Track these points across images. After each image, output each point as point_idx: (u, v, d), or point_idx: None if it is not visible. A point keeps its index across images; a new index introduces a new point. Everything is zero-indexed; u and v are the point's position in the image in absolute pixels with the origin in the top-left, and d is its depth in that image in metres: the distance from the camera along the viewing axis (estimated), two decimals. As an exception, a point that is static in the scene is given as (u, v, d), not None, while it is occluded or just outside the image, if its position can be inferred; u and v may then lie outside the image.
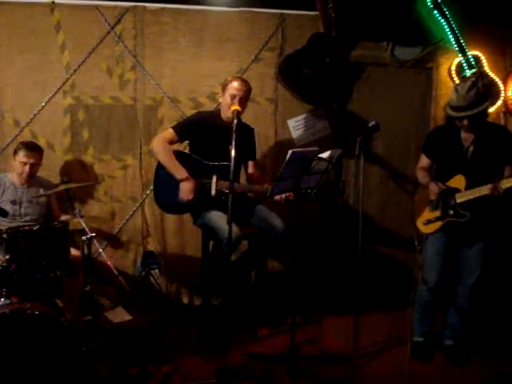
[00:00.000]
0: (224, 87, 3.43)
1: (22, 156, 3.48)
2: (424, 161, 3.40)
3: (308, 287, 4.17)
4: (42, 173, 3.73)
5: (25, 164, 3.49)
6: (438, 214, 3.19)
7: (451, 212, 3.12)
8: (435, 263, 3.26)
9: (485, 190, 2.97)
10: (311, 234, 4.13)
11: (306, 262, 4.12)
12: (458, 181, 3.11)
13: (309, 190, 3.06)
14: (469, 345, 3.40)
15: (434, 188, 3.19)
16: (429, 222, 3.24)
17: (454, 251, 3.28)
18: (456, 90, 3.07)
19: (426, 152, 3.38)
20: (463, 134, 3.15)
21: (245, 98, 3.41)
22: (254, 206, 3.54)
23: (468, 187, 3.06)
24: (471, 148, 3.13)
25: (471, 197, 3.03)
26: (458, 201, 3.09)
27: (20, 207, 3.55)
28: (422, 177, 3.36)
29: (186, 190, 3.33)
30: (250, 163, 3.68)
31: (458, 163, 3.15)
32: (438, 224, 3.18)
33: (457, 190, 3.10)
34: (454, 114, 3.06)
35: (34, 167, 3.54)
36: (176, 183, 3.35)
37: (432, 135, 3.42)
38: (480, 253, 3.22)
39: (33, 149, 3.52)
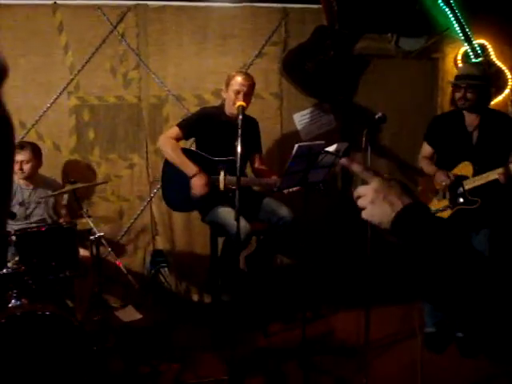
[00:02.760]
0: (227, 83, 3.41)
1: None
2: (426, 149, 3.37)
3: (318, 281, 4.15)
4: (48, 173, 3.74)
5: (16, 162, 3.48)
6: (446, 202, 3.16)
7: (461, 200, 3.09)
8: None
9: (494, 174, 2.92)
10: (320, 227, 4.12)
11: (315, 255, 4.10)
12: (465, 167, 3.09)
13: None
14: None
15: (442, 179, 3.15)
16: (437, 211, 3.21)
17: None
18: (466, 62, 3.09)
19: (428, 140, 3.35)
20: (467, 120, 3.13)
21: (249, 93, 3.39)
22: (261, 200, 3.53)
23: (476, 173, 3.02)
24: (476, 133, 3.10)
25: (480, 183, 2.99)
26: (467, 187, 3.05)
27: (28, 208, 3.55)
28: (426, 166, 3.33)
29: (198, 185, 3.30)
30: (256, 156, 3.66)
31: (462, 149, 3.12)
32: (447, 213, 3.15)
33: (464, 177, 3.07)
34: (456, 82, 3.09)
35: (27, 164, 3.49)
36: (184, 180, 3.34)
37: (434, 123, 3.37)
38: (486, 240, 3.18)
39: (21, 146, 3.49)
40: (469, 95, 3.04)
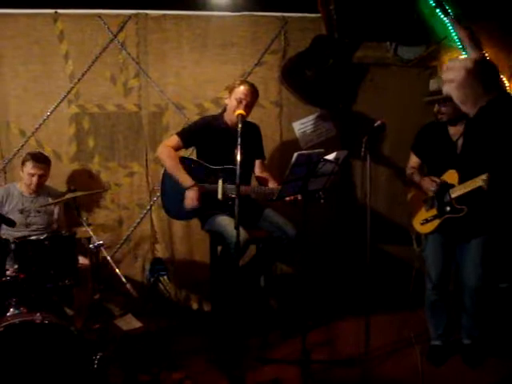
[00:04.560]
0: (231, 90, 3.43)
1: (29, 167, 3.49)
2: (413, 160, 3.37)
3: (317, 290, 4.14)
4: (48, 181, 3.74)
5: (32, 175, 3.50)
6: (434, 212, 3.14)
7: (448, 208, 3.06)
8: (435, 262, 3.22)
9: (479, 181, 2.89)
10: (319, 235, 4.12)
11: (314, 264, 4.10)
12: (451, 176, 3.06)
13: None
14: (484, 345, 3.32)
15: (428, 184, 3.13)
16: (426, 221, 3.19)
17: (454, 249, 3.22)
18: (437, 77, 3.07)
19: (414, 150, 3.37)
20: (451, 129, 3.13)
21: (251, 104, 3.41)
22: (262, 209, 3.53)
23: (461, 181, 3.01)
24: (460, 141, 3.09)
25: (466, 190, 2.96)
26: (453, 196, 3.03)
27: (28, 216, 3.55)
28: (413, 176, 3.33)
29: (191, 198, 3.32)
30: (258, 162, 3.66)
31: (448, 158, 3.11)
32: (436, 222, 3.13)
33: (451, 186, 3.05)
34: (427, 99, 3.10)
35: (42, 178, 3.55)
36: (182, 188, 3.34)
37: (420, 133, 3.37)
38: (480, 249, 3.13)
39: (40, 160, 3.53)
40: (443, 109, 3.05)
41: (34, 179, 3.50)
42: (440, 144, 3.16)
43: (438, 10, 4.07)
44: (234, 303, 3.05)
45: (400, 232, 4.44)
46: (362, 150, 2.73)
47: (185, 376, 3.08)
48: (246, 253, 3.38)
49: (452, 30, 4.08)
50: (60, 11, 3.95)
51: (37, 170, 3.49)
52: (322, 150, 2.89)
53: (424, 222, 3.21)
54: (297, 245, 3.35)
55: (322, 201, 3.02)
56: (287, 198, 3.21)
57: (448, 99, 2.93)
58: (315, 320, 3.89)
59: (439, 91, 2.99)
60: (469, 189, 2.95)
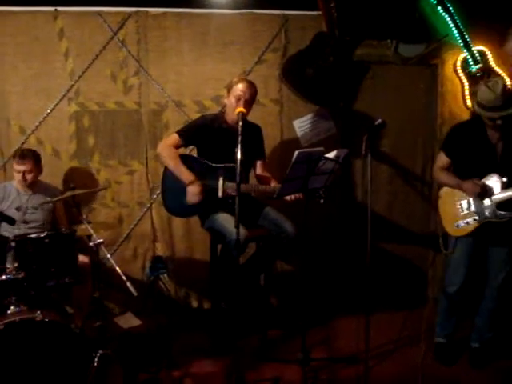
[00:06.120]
0: (229, 88, 3.42)
1: (14, 164, 3.51)
2: (444, 160, 3.25)
3: (318, 288, 4.14)
4: (48, 179, 3.74)
5: (18, 172, 3.50)
6: (471, 215, 3.08)
7: (488, 213, 3.01)
8: (462, 266, 3.17)
9: None
10: (319, 234, 4.11)
11: (315, 262, 4.10)
12: (492, 180, 3.01)
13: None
14: (494, 348, 3.30)
15: (472, 188, 3.02)
16: (460, 224, 3.13)
17: (482, 253, 3.17)
18: (489, 88, 2.93)
19: (446, 150, 3.23)
20: (490, 132, 3.03)
21: (250, 100, 3.40)
22: (262, 207, 3.53)
23: (504, 186, 2.95)
24: (500, 145, 3.02)
25: (509, 196, 2.92)
26: (496, 200, 2.99)
27: (25, 214, 3.54)
28: (447, 178, 3.22)
29: (192, 193, 3.33)
30: (259, 163, 3.66)
31: (487, 161, 3.03)
32: (473, 226, 3.07)
33: (491, 190, 3.00)
34: (489, 115, 2.94)
35: (29, 174, 3.51)
36: (183, 186, 3.34)
37: (453, 133, 3.23)
38: (509, 253, 3.10)
39: (23, 156, 3.50)
40: (500, 122, 2.93)
41: (20, 176, 3.49)
42: (477, 146, 3.06)
43: (439, 8, 4.06)
44: (234, 301, 3.05)
45: (400, 230, 4.45)
46: (363, 148, 2.72)
47: (184, 374, 3.08)
48: (245, 251, 3.38)
49: (453, 28, 4.06)
50: (60, 9, 3.93)
51: (20, 166, 3.48)
52: (322, 149, 2.89)
53: (458, 224, 3.14)
54: (296, 243, 3.35)
55: (322, 200, 3.00)
56: (288, 198, 3.21)
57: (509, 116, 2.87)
58: (315, 318, 3.89)
59: (500, 106, 2.89)
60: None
